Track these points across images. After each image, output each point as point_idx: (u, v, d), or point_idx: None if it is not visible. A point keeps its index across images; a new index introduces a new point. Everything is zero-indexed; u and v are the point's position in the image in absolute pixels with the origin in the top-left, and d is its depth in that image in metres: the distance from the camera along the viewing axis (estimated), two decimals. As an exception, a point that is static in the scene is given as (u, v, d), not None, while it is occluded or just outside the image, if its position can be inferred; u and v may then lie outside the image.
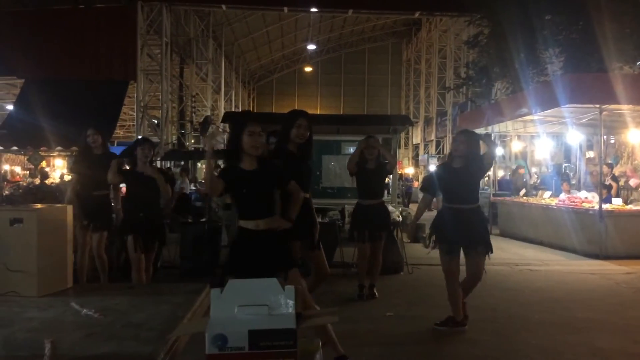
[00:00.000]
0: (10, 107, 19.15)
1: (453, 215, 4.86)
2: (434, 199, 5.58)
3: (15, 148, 14.28)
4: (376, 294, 6.23)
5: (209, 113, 23.42)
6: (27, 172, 23.33)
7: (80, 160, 6.02)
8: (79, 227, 5.57)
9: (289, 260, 3.44)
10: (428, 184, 5.41)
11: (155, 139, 17.81)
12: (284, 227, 3.42)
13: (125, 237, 5.33)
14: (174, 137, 20.02)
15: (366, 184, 6.16)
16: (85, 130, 5.81)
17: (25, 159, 18.84)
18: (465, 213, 4.83)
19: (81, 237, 5.69)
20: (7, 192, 12.47)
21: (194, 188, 15.53)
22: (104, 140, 5.95)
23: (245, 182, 3.31)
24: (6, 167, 19.34)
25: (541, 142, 15.45)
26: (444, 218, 4.93)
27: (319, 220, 5.14)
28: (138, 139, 5.90)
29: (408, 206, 18.47)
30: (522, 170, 15.66)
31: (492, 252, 4.89)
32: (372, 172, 6.10)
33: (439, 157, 29.00)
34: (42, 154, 14.37)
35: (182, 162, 19.31)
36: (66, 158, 17.04)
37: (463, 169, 4.82)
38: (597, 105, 9.42)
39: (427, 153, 32.18)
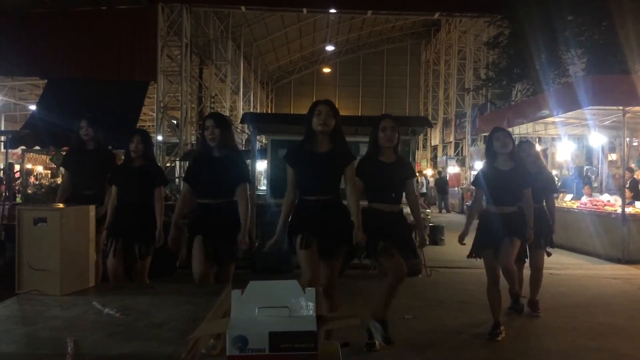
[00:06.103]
0: (32, 107, 19.43)
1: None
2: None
3: (37, 148, 14.45)
4: None
5: (227, 114, 23.53)
6: (49, 171, 23.67)
7: (69, 156, 5.41)
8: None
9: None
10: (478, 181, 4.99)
11: (174, 139, 17.97)
12: None
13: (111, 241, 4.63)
14: (193, 138, 20.13)
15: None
16: (78, 122, 5.09)
17: (48, 158, 19.09)
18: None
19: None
20: (29, 192, 12.65)
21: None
22: (97, 135, 5.15)
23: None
24: (28, 166, 19.60)
25: (562, 144, 15.27)
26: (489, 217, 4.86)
27: None
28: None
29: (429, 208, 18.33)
30: None
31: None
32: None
33: (458, 158, 28.80)
34: (64, 153, 14.53)
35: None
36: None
37: (510, 171, 4.73)
38: (620, 107, 9.29)
39: (446, 155, 31.96)
